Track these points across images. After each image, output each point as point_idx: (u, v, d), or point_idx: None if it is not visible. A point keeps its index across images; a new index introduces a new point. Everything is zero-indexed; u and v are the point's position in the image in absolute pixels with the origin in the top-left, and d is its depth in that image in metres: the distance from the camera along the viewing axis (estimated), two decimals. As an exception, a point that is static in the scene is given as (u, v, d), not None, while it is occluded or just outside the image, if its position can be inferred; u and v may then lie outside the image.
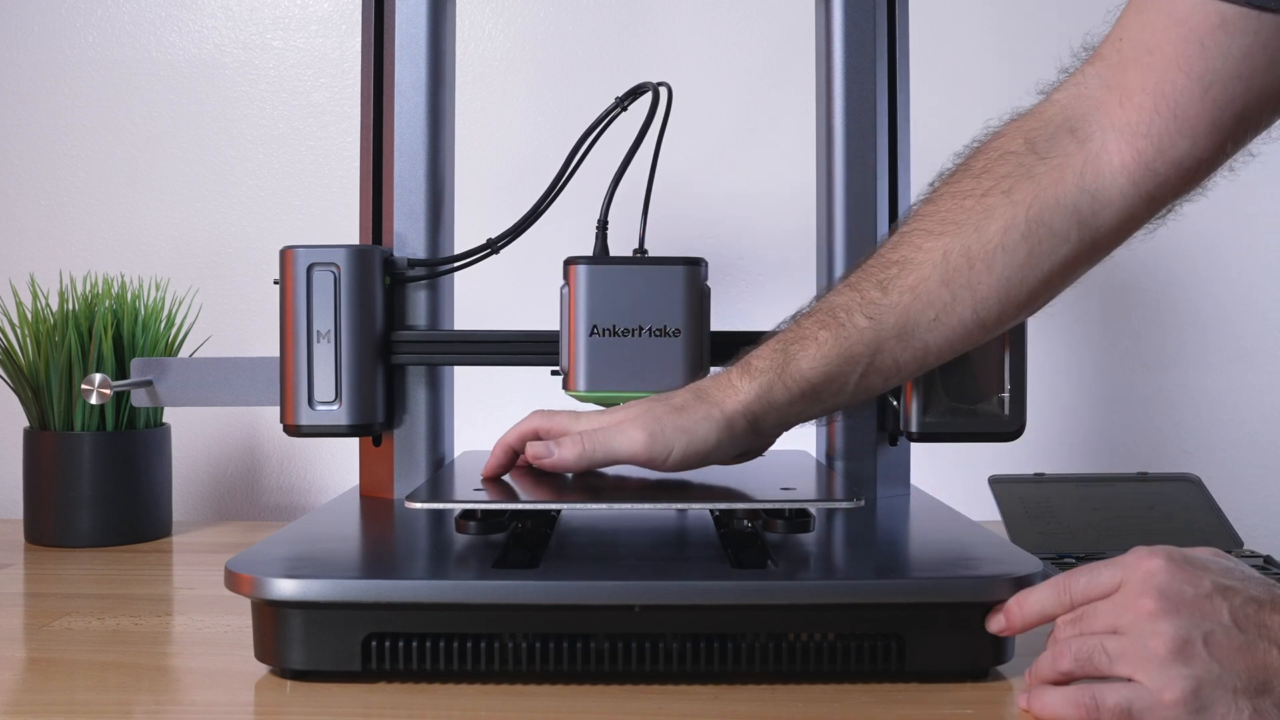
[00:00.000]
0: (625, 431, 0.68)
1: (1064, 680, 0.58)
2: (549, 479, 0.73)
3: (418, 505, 0.67)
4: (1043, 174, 0.67)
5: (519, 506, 0.70)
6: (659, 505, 0.77)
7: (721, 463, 0.71)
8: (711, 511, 0.81)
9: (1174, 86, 0.64)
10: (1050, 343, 1.23)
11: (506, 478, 0.74)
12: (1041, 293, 0.69)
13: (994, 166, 0.69)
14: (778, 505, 0.69)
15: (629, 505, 0.69)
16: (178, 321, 1.09)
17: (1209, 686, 0.53)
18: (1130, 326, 1.25)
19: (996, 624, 0.63)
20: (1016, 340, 0.82)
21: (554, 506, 0.71)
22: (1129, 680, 0.55)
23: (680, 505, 0.79)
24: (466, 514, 0.71)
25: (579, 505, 0.69)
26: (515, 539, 0.73)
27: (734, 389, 0.70)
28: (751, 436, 0.71)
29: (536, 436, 0.72)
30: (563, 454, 0.69)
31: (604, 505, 0.69)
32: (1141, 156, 0.65)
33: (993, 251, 0.67)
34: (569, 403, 0.83)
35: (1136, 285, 1.21)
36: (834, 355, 0.69)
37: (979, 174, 0.69)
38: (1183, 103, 0.64)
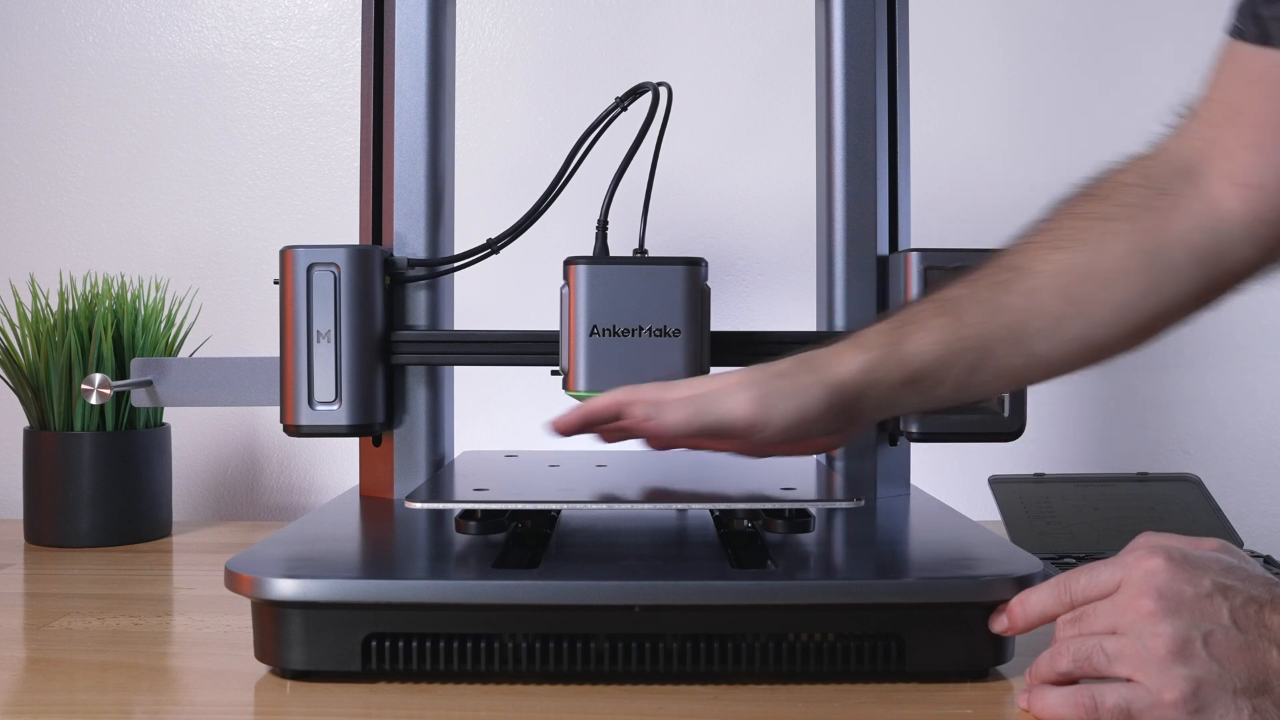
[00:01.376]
0: (733, 394, 0.66)
1: (1063, 680, 0.58)
2: (547, 479, 0.73)
3: (418, 505, 0.67)
4: (1164, 208, 0.66)
5: (519, 506, 0.70)
6: (659, 505, 0.77)
7: (815, 440, 0.69)
8: (711, 511, 0.81)
9: (1269, 142, 0.64)
10: (1050, 343, 1.23)
11: (504, 478, 0.74)
12: (1154, 324, 0.68)
13: (1115, 194, 0.68)
14: (778, 505, 0.69)
15: (629, 505, 0.69)
16: (178, 321, 1.09)
17: (1209, 686, 0.53)
18: (1130, 326, 1.25)
19: (999, 624, 0.63)
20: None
21: (554, 506, 0.71)
22: (1129, 680, 0.55)
23: (680, 505, 0.79)
24: (466, 514, 0.71)
25: (579, 505, 0.69)
26: (515, 539, 0.73)
27: (842, 359, 0.67)
28: (848, 414, 0.68)
29: (622, 411, 0.70)
30: (671, 416, 0.67)
31: (604, 505, 0.69)
32: (1254, 207, 0.65)
33: (1113, 273, 0.66)
34: (570, 403, 0.83)
35: (1136, 285, 1.22)
36: (944, 343, 0.67)
37: (1099, 199, 0.68)
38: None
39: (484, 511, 0.70)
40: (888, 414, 0.70)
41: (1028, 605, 0.61)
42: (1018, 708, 0.60)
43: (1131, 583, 0.56)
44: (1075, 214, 0.69)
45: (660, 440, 0.69)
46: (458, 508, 0.73)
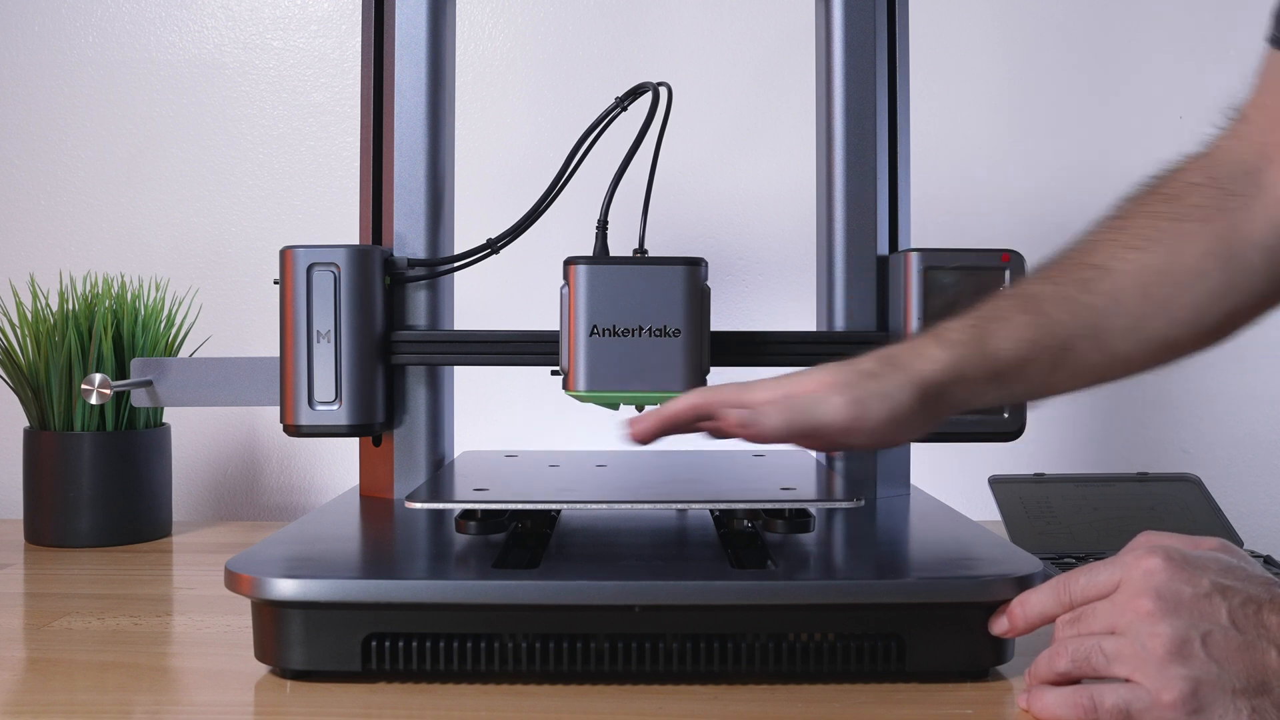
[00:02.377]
0: (827, 398, 0.65)
1: (1062, 680, 0.58)
2: (547, 479, 0.73)
3: (418, 505, 0.67)
4: (1234, 209, 0.67)
5: (519, 506, 0.70)
6: (659, 505, 0.77)
7: (906, 437, 0.68)
8: (711, 511, 0.81)
9: None
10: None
11: (504, 478, 0.74)
12: (1229, 323, 0.68)
13: (1184, 194, 0.68)
14: (778, 505, 0.69)
15: (629, 505, 0.69)
16: (178, 321, 1.09)
17: (1207, 687, 0.53)
18: (1130, 326, 1.25)
19: (1000, 626, 0.63)
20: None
21: (554, 506, 0.71)
22: (1128, 681, 0.55)
23: (680, 505, 0.79)
24: (466, 514, 0.71)
25: (579, 505, 0.69)
26: (515, 539, 0.73)
27: (926, 356, 0.67)
28: (932, 411, 0.67)
29: (704, 414, 0.68)
30: (769, 421, 0.65)
31: (604, 505, 0.69)
32: None
33: (1191, 274, 0.67)
34: (569, 403, 0.83)
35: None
36: (1029, 339, 0.67)
37: (1169, 199, 0.68)
38: None
39: (484, 511, 0.70)
40: (967, 409, 0.69)
41: (1027, 606, 0.61)
42: (1017, 708, 0.60)
43: (1130, 583, 0.56)
44: (1148, 213, 0.69)
45: (752, 439, 0.67)
46: (458, 508, 0.73)
